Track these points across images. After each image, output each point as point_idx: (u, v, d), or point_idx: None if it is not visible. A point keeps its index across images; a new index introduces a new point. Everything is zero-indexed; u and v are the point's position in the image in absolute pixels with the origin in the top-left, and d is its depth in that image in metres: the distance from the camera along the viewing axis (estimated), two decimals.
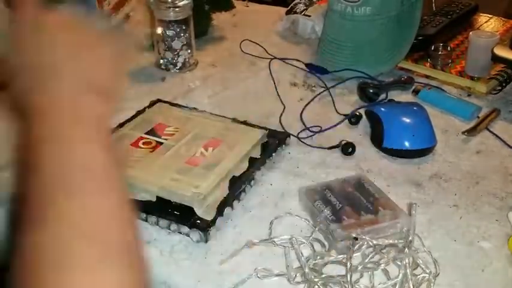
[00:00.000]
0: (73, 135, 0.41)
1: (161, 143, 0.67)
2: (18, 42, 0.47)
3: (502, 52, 0.83)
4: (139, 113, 0.75)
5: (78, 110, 0.43)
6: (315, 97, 0.85)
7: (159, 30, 0.91)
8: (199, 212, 0.58)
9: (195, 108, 0.77)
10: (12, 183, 0.47)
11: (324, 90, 0.86)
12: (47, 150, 0.39)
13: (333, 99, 0.84)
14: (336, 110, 0.81)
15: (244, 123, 0.73)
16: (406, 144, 0.70)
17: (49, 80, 0.44)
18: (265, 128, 0.71)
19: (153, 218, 0.59)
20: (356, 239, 0.52)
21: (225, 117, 0.74)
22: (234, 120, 0.73)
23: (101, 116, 0.43)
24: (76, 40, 0.47)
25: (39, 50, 0.46)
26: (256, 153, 0.67)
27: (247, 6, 1.23)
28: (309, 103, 0.83)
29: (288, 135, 0.73)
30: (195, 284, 0.53)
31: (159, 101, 0.79)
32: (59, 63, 0.45)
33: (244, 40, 1.02)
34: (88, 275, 0.34)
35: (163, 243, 0.57)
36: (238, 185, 0.62)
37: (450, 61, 0.90)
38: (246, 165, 0.65)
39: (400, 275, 0.50)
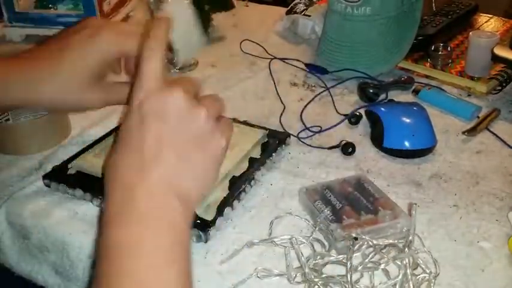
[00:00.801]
0: (144, 239, 0.42)
1: None
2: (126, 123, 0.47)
3: (502, 52, 0.83)
4: None
5: (155, 213, 0.43)
6: (315, 97, 0.85)
7: None
8: (199, 212, 0.58)
9: None
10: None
11: (324, 90, 0.86)
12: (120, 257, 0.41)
13: (332, 99, 0.84)
14: (336, 110, 0.81)
15: (244, 123, 0.73)
16: (406, 144, 0.70)
17: (139, 173, 0.44)
18: (265, 128, 0.71)
19: None
20: (356, 239, 0.52)
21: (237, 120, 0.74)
22: (234, 120, 0.73)
23: (176, 221, 0.44)
24: (183, 140, 0.46)
25: (143, 138, 0.45)
26: (256, 153, 0.67)
27: (247, 6, 1.23)
28: (309, 103, 0.83)
29: (288, 135, 0.73)
30: (195, 284, 0.53)
31: None
32: (156, 159, 0.45)
33: (244, 40, 1.02)
34: None
35: None
36: (238, 185, 0.62)
37: (450, 61, 0.90)
38: (246, 165, 0.65)
39: (400, 275, 0.50)
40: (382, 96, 0.83)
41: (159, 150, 0.45)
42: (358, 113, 0.78)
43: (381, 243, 0.53)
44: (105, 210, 0.44)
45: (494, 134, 0.75)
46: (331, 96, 0.85)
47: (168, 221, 0.44)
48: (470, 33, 0.87)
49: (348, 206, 0.58)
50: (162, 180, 0.44)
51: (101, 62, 0.60)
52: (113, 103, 0.63)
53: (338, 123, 0.77)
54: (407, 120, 0.72)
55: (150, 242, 0.42)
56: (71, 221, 0.60)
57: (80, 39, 0.59)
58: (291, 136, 0.73)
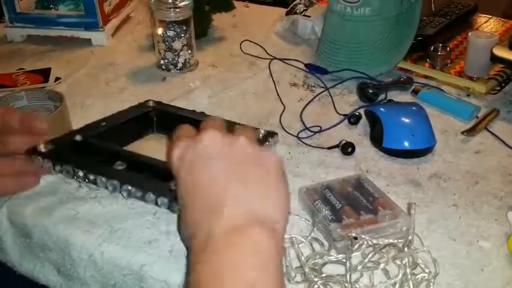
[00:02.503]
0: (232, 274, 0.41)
1: None
2: (187, 166, 0.47)
3: (501, 52, 0.83)
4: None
5: (237, 246, 0.43)
6: (314, 97, 0.85)
7: (160, 31, 0.92)
8: None
9: (203, 113, 0.75)
10: None
11: (324, 91, 0.87)
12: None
13: (332, 100, 0.84)
14: (336, 110, 0.81)
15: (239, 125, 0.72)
16: (406, 144, 0.70)
17: (214, 213, 0.44)
18: (274, 133, 0.70)
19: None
20: (356, 238, 0.53)
21: (236, 123, 0.73)
22: (229, 122, 0.72)
23: (264, 249, 0.43)
24: (232, 166, 0.46)
25: (208, 178, 0.46)
26: None
27: (247, 6, 1.23)
28: (308, 103, 0.83)
29: (275, 133, 0.71)
30: None
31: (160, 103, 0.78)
32: (225, 193, 0.45)
33: (244, 40, 1.02)
34: None
35: (164, 243, 0.57)
36: None
37: (449, 61, 0.91)
38: None
39: (400, 274, 0.50)
40: (382, 96, 0.83)
41: (219, 186, 0.45)
42: (357, 113, 0.79)
43: (380, 243, 0.53)
44: (191, 255, 0.44)
45: (493, 134, 0.75)
46: (331, 96, 0.85)
47: (251, 249, 0.42)
48: (470, 33, 0.88)
49: (348, 205, 0.58)
50: (235, 213, 0.44)
51: None
52: None
53: (338, 123, 0.78)
54: (407, 120, 0.72)
55: (230, 276, 0.41)
56: (72, 220, 0.60)
57: None
58: (291, 136, 0.74)
